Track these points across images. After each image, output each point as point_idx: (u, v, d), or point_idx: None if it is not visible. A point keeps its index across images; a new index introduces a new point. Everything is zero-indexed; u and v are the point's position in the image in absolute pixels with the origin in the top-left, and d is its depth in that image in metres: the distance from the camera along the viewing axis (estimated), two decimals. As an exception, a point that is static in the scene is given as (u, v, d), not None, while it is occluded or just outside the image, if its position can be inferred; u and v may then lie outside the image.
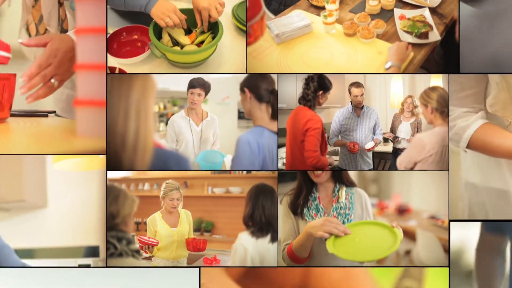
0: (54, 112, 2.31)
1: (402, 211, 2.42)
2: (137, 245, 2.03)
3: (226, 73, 2.21)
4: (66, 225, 2.37)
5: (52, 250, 2.28)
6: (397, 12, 2.33)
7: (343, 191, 2.08)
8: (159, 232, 2.10)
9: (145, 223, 2.18)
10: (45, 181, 2.35)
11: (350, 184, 2.11)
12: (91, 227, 2.18)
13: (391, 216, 2.40)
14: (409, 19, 2.30)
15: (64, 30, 2.34)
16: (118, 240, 1.89)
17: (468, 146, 2.12)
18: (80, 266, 2.27)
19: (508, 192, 2.08)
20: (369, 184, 2.46)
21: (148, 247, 2.10)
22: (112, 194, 1.94)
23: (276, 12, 2.38)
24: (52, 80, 2.00)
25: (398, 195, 2.42)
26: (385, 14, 2.36)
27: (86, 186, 2.20)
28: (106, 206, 1.95)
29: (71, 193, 2.30)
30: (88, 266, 2.27)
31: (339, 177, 2.11)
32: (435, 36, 2.22)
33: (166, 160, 1.86)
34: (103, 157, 1.87)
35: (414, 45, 2.22)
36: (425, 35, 2.23)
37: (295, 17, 2.28)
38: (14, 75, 1.98)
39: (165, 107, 2.29)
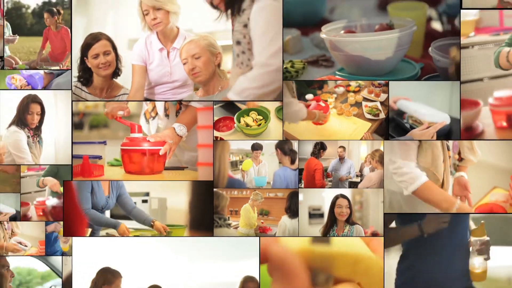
0: (187, 167, 3.41)
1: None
2: (230, 221, 3.21)
3: (270, 139, 3.29)
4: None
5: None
6: (364, 103, 3.36)
7: (347, 227, 3.21)
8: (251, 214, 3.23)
9: (236, 211, 3.25)
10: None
11: (353, 223, 3.24)
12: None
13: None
14: (369, 107, 3.34)
15: (166, 115, 3.44)
16: (219, 219, 3.22)
17: (413, 193, 3.15)
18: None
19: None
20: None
21: None
22: (216, 195, 3.22)
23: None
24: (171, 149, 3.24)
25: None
26: (358, 104, 3.39)
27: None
28: (212, 202, 3.21)
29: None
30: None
31: (349, 219, 3.22)
32: (382, 115, 3.29)
33: (234, 183, 3.25)
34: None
35: (372, 119, 3.30)
36: (377, 115, 3.30)
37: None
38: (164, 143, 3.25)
39: (242, 157, 3.28)
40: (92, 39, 3.34)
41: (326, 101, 3.40)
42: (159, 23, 3.33)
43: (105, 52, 3.35)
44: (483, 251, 3.25)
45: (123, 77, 3.42)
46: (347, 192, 3.29)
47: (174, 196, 3.31)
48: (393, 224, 3.30)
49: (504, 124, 3.27)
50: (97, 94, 3.39)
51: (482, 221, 3.25)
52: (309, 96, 3.38)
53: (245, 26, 3.17)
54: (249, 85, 3.21)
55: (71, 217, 3.23)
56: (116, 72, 3.41)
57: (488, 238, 3.25)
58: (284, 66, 3.29)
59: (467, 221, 3.28)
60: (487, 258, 3.27)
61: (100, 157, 3.29)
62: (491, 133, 3.31)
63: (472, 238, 3.26)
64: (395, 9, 3.30)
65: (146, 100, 3.41)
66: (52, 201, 3.32)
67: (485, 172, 3.31)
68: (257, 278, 3.23)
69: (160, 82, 3.42)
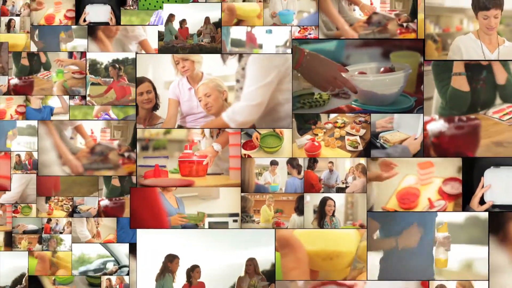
0: (223, 173, 4.22)
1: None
2: (255, 217, 4.10)
3: (283, 157, 4.13)
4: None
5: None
6: (346, 137, 3.99)
7: (333, 219, 4.03)
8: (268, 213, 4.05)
9: (258, 210, 4.08)
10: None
11: (334, 216, 4.01)
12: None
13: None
14: (351, 140, 3.96)
15: (211, 136, 4.25)
16: (247, 216, 4.02)
17: None
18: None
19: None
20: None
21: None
22: (244, 198, 4.05)
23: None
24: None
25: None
26: (342, 138, 4.03)
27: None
28: (240, 202, 4.07)
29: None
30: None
31: (333, 213, 4.01)
32: (360, 147, 3.97)
33: (259, 188, 4.09)
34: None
35: (351, 151, 4.00)
36: (356, 147, 3.95)
37: (304, 140, 4.13)
38: (206, 157, 4.11)
39: (260, 170, 4.15)
40: (138, 82, 4.46)
41: (317, 135, 4.13)
42: (187, 70, 4.33)
43: (148, 91, 4.34)
44: (445, 244, 4.11)
45: (161, 110, 4.36)
46: (341, 196, 4.18)
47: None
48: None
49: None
50: (141, 122, 4.32)
51: (445, 221, 4.10)
52: (307, 137, 4.23)
53: (243, 69, 4.18)
54: (236, 114, 4.22)
55: (155, 218, 4.35)
56: (156, 106, 4.37)
57: (448, 234, 4.10)
58: (315, 97, 4.25)
59: (433, 220, 4.16)
60: (448, 250, 4.11)
61: (165, 166, 4.40)
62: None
63: (437, 234, 4.13)
64: (395, 56, 4.22)
65: (180, 126, 4.37)
66: (105, 202, 4.41)
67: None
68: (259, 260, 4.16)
69: (190, 113, 4.36)
